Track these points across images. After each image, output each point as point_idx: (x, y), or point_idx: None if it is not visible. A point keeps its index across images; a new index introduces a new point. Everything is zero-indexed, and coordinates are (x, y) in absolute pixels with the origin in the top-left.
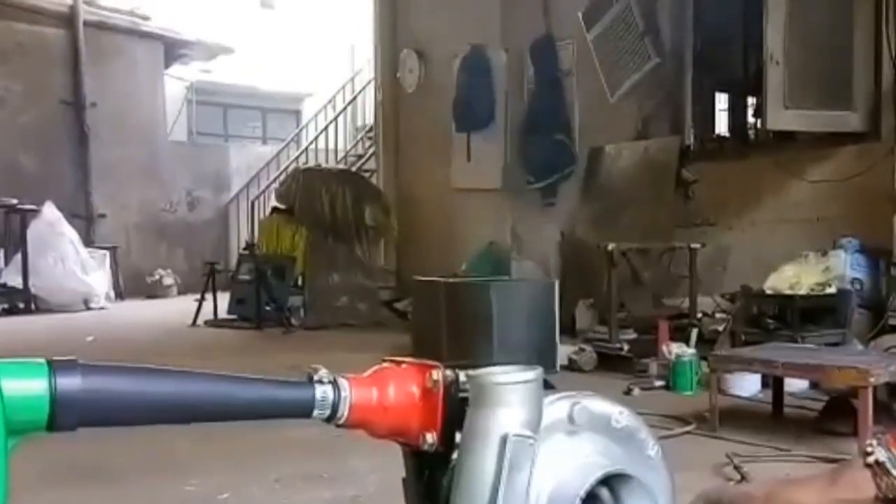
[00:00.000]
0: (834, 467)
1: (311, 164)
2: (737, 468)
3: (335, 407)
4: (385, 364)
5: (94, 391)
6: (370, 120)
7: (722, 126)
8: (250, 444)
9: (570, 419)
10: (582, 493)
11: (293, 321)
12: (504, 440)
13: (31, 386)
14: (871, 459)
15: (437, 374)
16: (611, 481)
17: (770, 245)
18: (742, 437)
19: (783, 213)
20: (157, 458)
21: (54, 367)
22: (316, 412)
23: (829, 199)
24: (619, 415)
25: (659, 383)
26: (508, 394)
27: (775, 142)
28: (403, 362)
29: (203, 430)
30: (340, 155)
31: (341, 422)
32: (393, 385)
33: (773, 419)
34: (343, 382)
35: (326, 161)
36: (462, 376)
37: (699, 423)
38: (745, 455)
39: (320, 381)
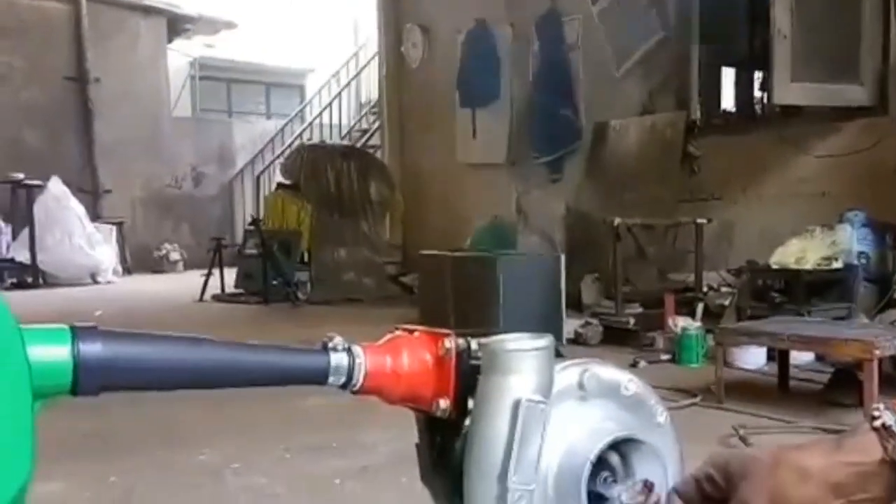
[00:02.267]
0: (841, 433)
1: (316, 139)
2: (742, 439)
3: (350, 374)
4: (398, 332)
5: (115, 357)
6: (374, 95)
7: (728, 101)
8: (261, 415)
9: (581, 386)
10: (592, 457)
11: (300, 296)
12: (516, 405)
13: (54, 351)
14: (877, 423)
15: (449, 342)
16: (621, 446)
17: (776, 220)
18: (748, 409)
19: (789, 187)
20: (170, 430)
21: (76, 333)
22: (331, 379)
23: (835, 173)
24: (629, 382)
25: (665, 356)
26: (520, 361)
27: (782, 116)
28: (416, 331)
29: (214, 402)
30: (345, 130)
31: (356, 388)
32: (406, 353)
33: (778, 391)
34: (357, 350)
35: (331, 136)
36: (474, 344)
37: (705, 395)
38: (751, 426)
39: (335, 349)
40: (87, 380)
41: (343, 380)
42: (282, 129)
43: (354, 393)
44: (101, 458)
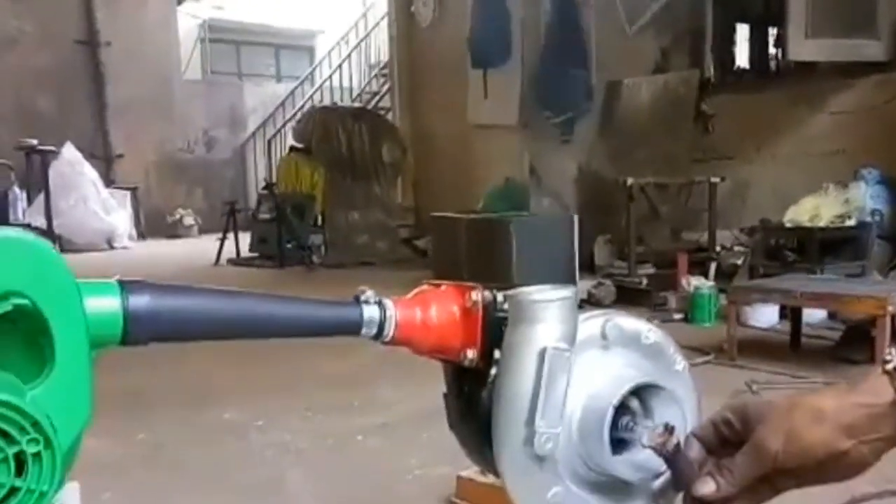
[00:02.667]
0: (853, 377)
1: (326, 102)
2: (755, 395)
3: (381, 326)
4: (426, 287)
5: (162, 308)
6: (384, 56)
7: (742, 58)
8: (283, 377)
9: (603, 335)
10: (615, 401)
11: (314, 259)
12: (542, 353)
13: (106, 303)
14: (889, 367)
15: (476, 295)
16: (641, 392)
17: (790, 178)
18: (760, 366)
19: (804, 145)
20: (195, 389)
21: (125, 287)
22: (364, 330)
23: (850, 130)
24: (649, 332)
25: (677, 316)
26: (546, 310)
27: (796, 73)
28: (443, 285)
29: (238, 364)
30: (355, 93)
31: (387, 339)
32: (435, 305)
33: (791, 349)
34: (388, 303)
35: (341, 99)
36: (500, 297)
37: (717, 353)
38: (763, 382)
39: (367, 302)
40: (136, 330)
41: (375, 331)
42: (292, 92)
43: (386, 344)
44: (130, 416)
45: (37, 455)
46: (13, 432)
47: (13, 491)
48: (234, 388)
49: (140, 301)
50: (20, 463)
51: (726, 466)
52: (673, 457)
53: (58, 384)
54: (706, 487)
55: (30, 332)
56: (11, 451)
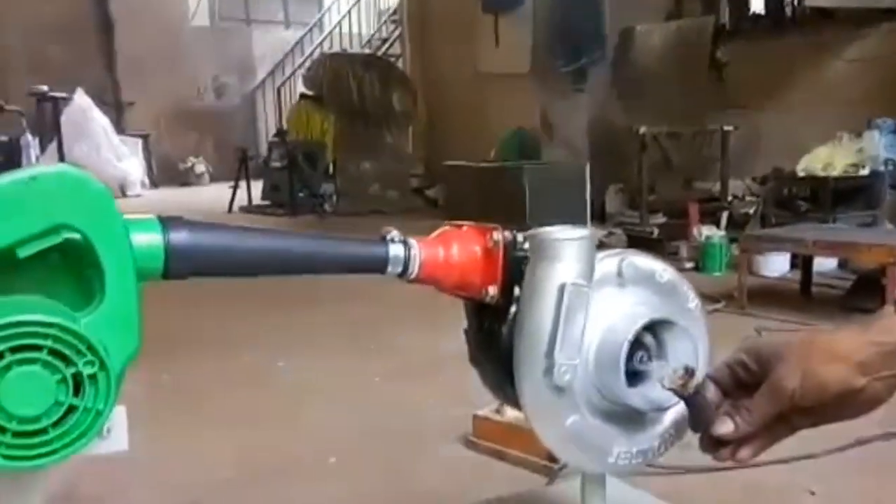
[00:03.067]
0: (866, 318)
1: (336, 49)
2: None
3: (406, 264)
4: (448, 227)
5: (200, 244)
6: (394, 2)
7: (758, 4)
8: (302, 322)
9: (619, 273)
10: (630, 336)
11: (326, 208)
12: (562, 289)
13: (149, 238)
14: None
15: (497, 235)
16: (655, 328)
17: (804, 127)
18: (770, 315)
19: (818, 94)
20: (216, 332)
21: (165, 223)
22: (390, 268)
23: (865, 79)
24: (663, 271)
25: (688, 265)
26: (565, 248)
27: (813, 20)
28: (464, 225)
29: (259, 308)
30: (364, 39)
31: (412, 277)
32: (457, 244)
33: (801, 297)
34: (413, 242)
35: (351, 46)
36: (520, 237)
37: (728, 301)
38: (774, 330)
39: (393, 241)
40: (176, 264)
41: (400, 269)
42: (301, 39)
43: (411, 282)
44: (152, 357)
45: (92, 376)
46: (70, 354)
47: (71, 409)
48: (253, 332)
49: (179, 236)
50: (77, 384)
51: (744, 406)
52: (692, 398)
53: (108, 313)
54: (725, 427)
55: (77, 264)
56: (69, 371)
